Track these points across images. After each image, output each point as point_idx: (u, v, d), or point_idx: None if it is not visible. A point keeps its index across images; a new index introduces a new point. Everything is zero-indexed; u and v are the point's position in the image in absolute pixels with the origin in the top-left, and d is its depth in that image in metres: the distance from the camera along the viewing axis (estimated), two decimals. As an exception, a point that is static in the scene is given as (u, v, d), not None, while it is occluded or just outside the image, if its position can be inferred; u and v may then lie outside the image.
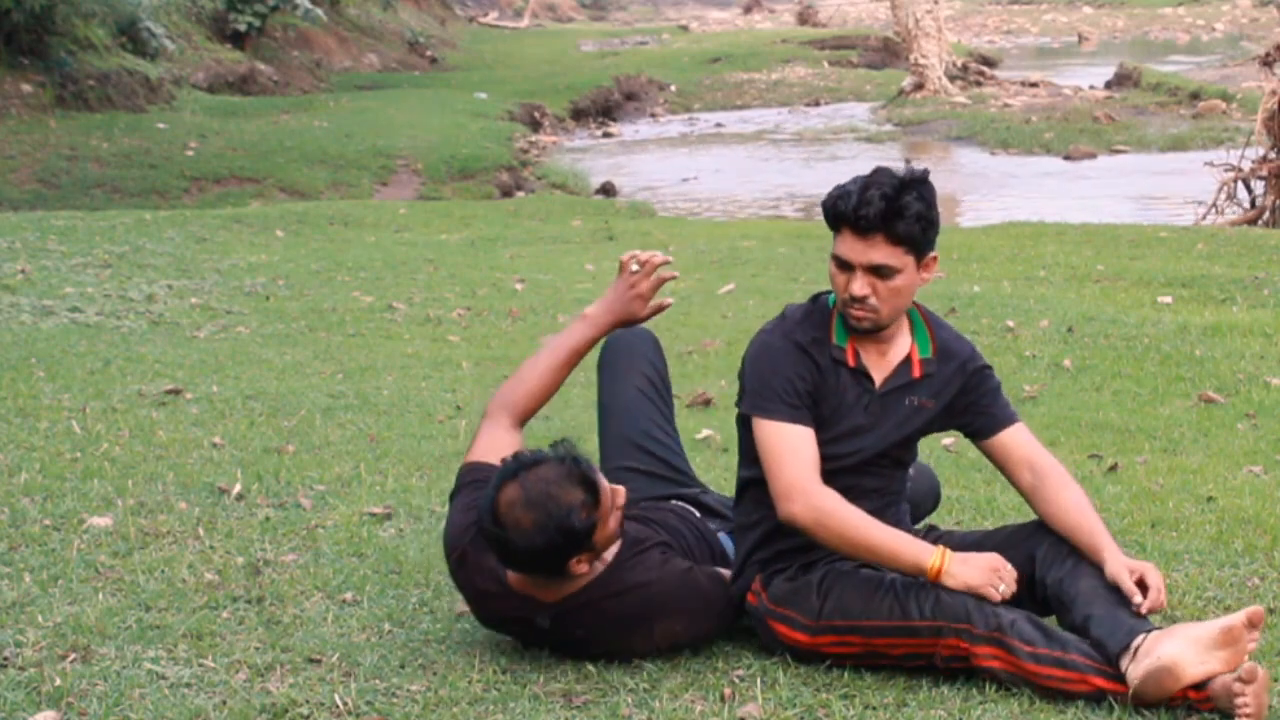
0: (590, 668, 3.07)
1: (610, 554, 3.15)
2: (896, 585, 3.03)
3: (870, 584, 3.06)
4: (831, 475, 3.11)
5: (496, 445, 3.31)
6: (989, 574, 2.99)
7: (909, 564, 3.02)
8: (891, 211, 3.02)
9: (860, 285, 3.07)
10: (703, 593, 3.19)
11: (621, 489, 3.10)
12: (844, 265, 3.09)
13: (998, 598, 2.97)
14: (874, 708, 2.89)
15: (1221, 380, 6.25)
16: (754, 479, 3.20)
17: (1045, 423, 5.62)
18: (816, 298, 3.25)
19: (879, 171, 3.08)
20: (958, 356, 3.24)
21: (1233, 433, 5.36)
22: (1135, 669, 2.81)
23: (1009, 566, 3.02)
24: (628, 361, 3.64)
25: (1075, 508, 3.11)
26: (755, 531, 3.24)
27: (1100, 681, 2.85)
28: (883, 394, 3.18)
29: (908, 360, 3.20)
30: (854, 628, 3.03)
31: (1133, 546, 3.80)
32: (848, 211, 3.04)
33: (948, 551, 3.01)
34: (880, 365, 3.20)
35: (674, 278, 3.53)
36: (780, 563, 3.19)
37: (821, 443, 3.13)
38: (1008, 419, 3.24)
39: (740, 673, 3.07)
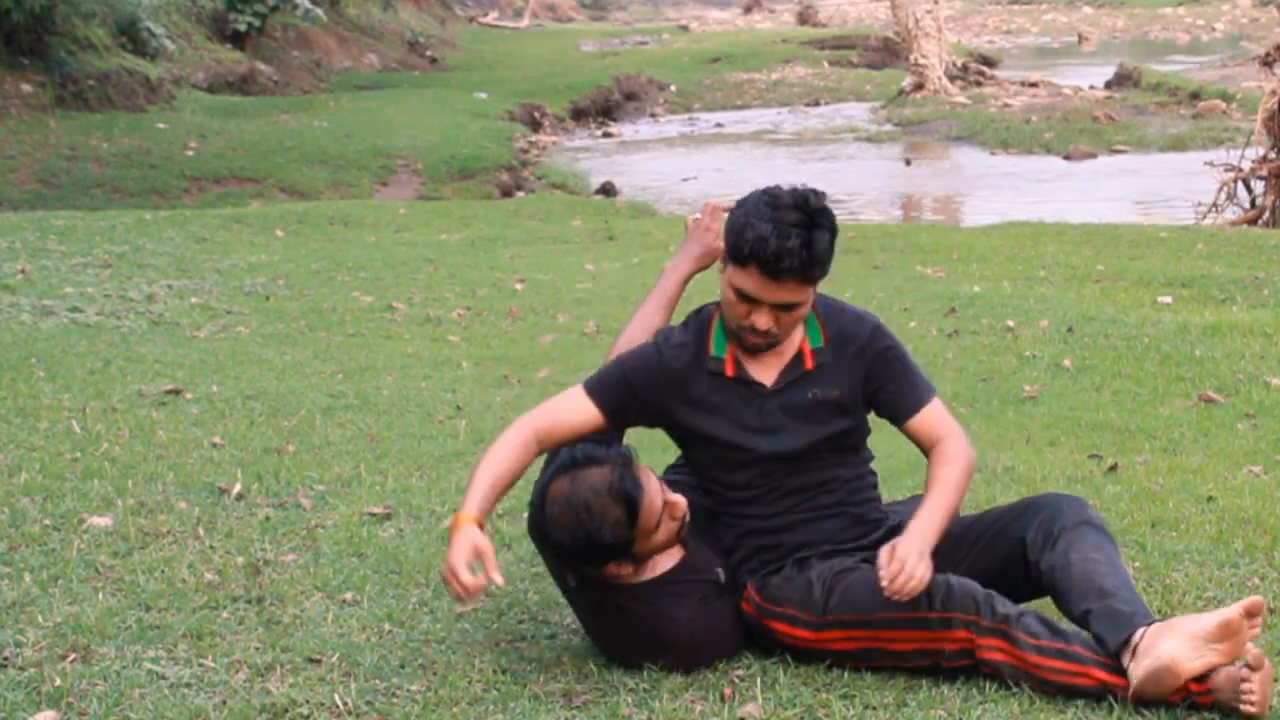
0: (590, 667, 3.07)
1: (665, 566, 3.13)
2: None
3: (876, 576, 3.04)
4: (758, 475, 3.13)
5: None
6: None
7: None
8: (811, 259, 2.99)
9: (765, 320, 3.06)
10: (719, 643, 3.14)
11: (681, 501, 3.07)
12: (747, 298, 3.05)
13: None
14: (874, 708, 2.89)
15: (1221, 380, 6.25)
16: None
17: (1045, 423, 5.62)
18: (699, 311, 3.25)
19: (782, 206, 2.99)
20: (855, 340, 3.19)
21: (1233, 433, 5.36)
22: (1136, 668, 2.80)
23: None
24: None
25: (932, 480, 3.11)
26: (729, 539, 3.22)
27: (1102, 674, 2.85)
28: (777, 392, 3.16)
29: (799, 354, 3.18)
30: (862, 622, 3.02)
31: (1133, 546, 3.80)
32: (766, 258, 2.98)
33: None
34: (772, 365, 3.18)
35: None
36: (765, 560, 3.18)
37: (723, 446, 3.15)
38: (915, 404, 3.19)
39: (740, 673, 3.07)
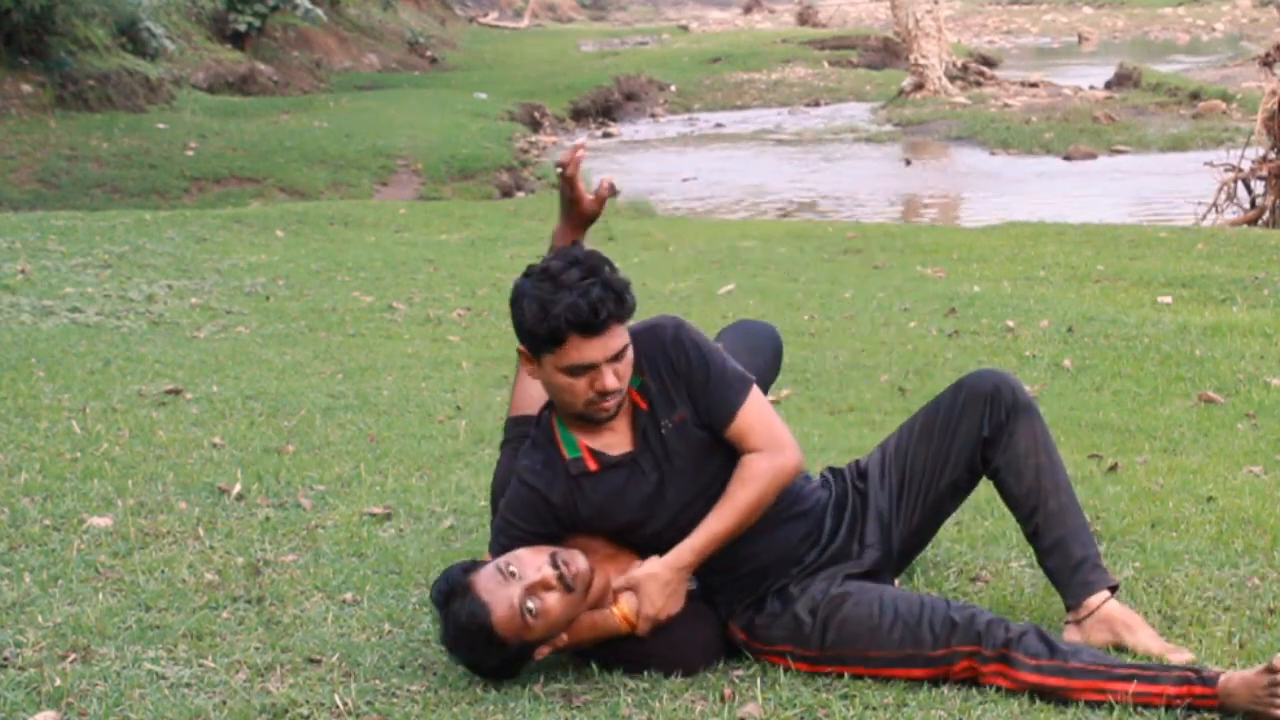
0: (590, 667, 3.07)
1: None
2: (901, 610, 3.00)
3: (874, 610, 3.02)
4: (684, 528, 3.05)
5: (530, 393, 3.33)
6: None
7: None
8: (619, 295, 2.93)
9: (611, 377, 2.97)
10: (702, 650, 3.11)
11: (549, 575, 2.93)
12: (583, 369, 2.95)
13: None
14: (874, 708, 2.89)
15: (1221, 380, 6.25)
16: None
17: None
18: (538, 420, 3.18)
19: (557, 272, 2.93)
20: (659, 356, 3.09)
21: (1233, 433, 5.36)
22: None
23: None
24: (748, 357, 3.53)
25: (723, 495, 3.05)
26: (698, 590, 3.16)
27: (1103, 684, 2.84)
28: (642, 452, 3.09)
29: (632, 404, 3.09)
30: (863, 659, 3.00)
31: (1132, 547, 3.80)
32: (583, 319, 2.89)
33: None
34: (620, 430, 3.10)
35: (583, 153, 3.38)
36: (741, 593, 3.14)
37: (637, 526, 3.09)
38: (726, 414, 3.07)
39: (740, 673, 3.07)
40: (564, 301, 2.90)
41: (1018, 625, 2.95)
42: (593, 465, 3.08)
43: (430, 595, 3.05)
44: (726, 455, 3.10)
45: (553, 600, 2.94)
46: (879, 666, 2.99)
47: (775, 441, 3.08)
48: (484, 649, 2.94)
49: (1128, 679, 2.82)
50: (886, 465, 3.31)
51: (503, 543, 3.09)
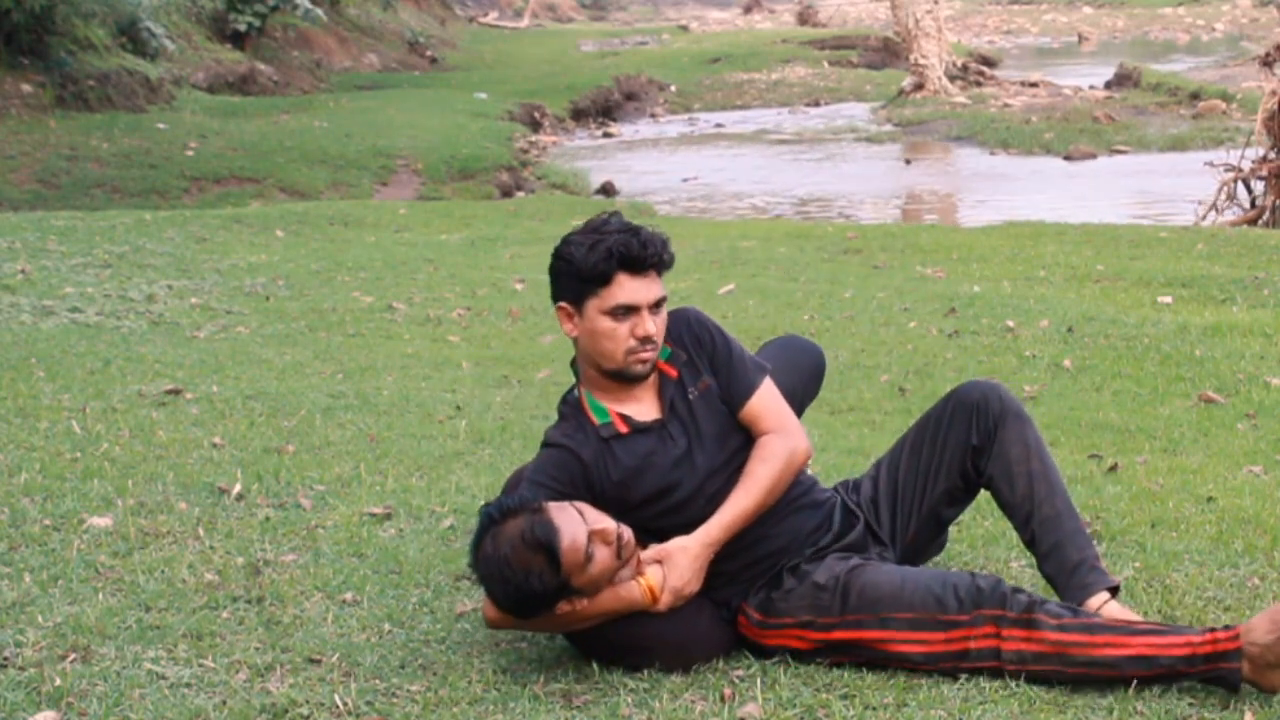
0: (590, 667, 3.07)
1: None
2: (924, 578, 3.03)
3: (894, 576, 3.05)
4: (704, 504, 3.12)
5: None
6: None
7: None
8: (663, 242, 3.11)
9: (651, 323, 3.09)
10: (699, 644, 3.11)
11: (610, 527, 2.98)
12: (626, 312, 3.08)
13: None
14: (874, 708, 2.89)
15: (1221, 380, 6.25)
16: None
17: (1045, 423, 5.61)
18: (565, 399, 3.25)
19: (599, 226, 3.12)
20: (686, 333, 3.24)
21: (1233, 433, 5.36)
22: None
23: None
24: (786, 373, 3.56)
25: (744, 474, 3.13)
26: (709, 575, 3.17)
27: (1125, 639, 2.85)
28: (670, 418, 3.18)
29: (660, 373, 3.21)
30: (884, 620, 3.00)
31: (1132, 547, 3.80)
32: (634, 253, 3.06)
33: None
34: (648, 398, 3.20)
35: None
36: (755, 576, 3.16)
37: (662, 494, 3.13)
38: (745, 392, 3.21)
39: (740, 673, 3.07)
40: (614, 239, 3.07)
41: (1039, 595, 2.98)
42: (623, 428, 3.16)
43: (482, 512, 3.01)
44: (746, 436, 3.20)
45: (603, 554, 2.97)
46: (898, 629, 2.98)
47: (788, 426, 3.21)
48: (537, 571, 2.91)
49: (1147, 634, 2.85)
50: (880, 479, 3.35)
51: (534, 489, 3.10)
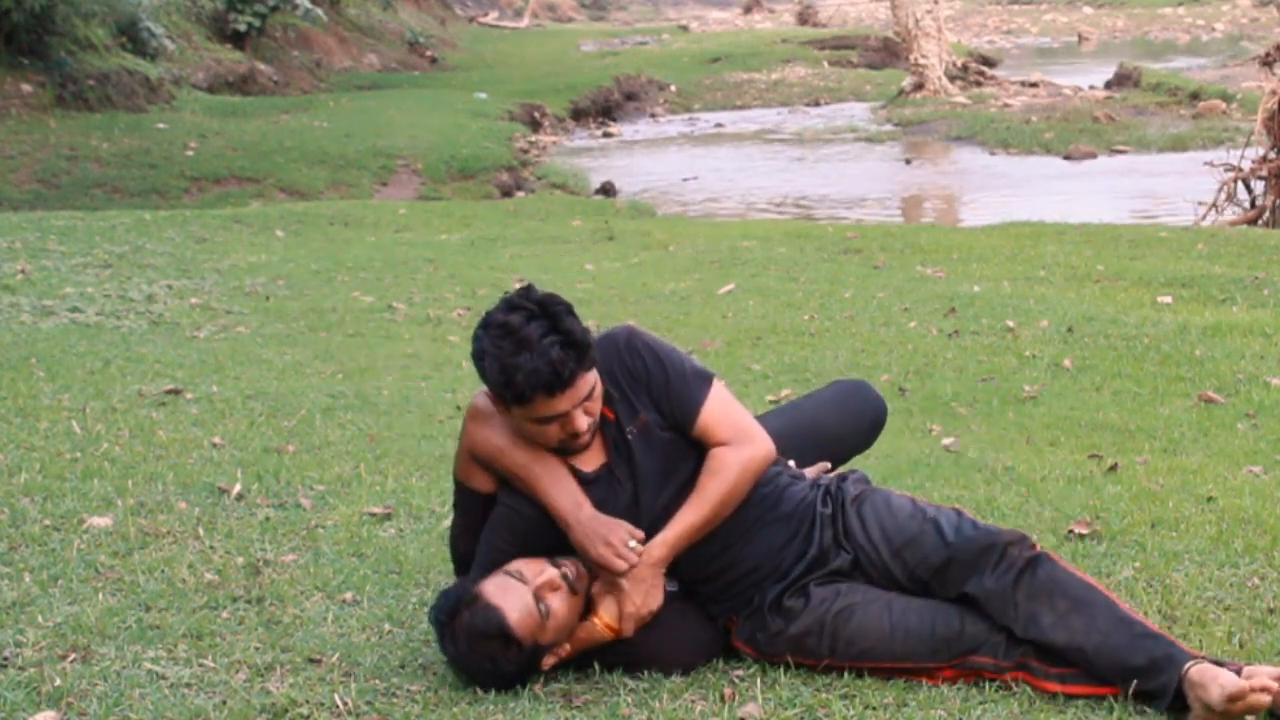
0: (591, 667, 3.07)
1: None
2: (911, 625, 2.98)
3: (883, 622, 3.00)
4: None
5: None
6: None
7: None
8: (579, 351, 2.90)
9: (581, 419, 2.97)
10: (695, 647, 3.11)
11: (553, 574, 2.96)
12: (552, 420, 2.95)
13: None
14: (874, 708, 2.89)
15: (1221, 380, 6.25)
16: None
17: (1045, 423, 5.62)
18: None
19: (516, 326, 2.87)
20: (616, 364, 3.09)
21: (1233, 433, 5.36)
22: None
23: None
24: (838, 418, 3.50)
25: (694, 488, 3.05)
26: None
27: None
28: (617, 463, 3.09)
29: (600, 416, 3.06)
30: (876, 670, 3.00)
31: (1132, 547, 3.80)
32: (548, 382, 2.87)
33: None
34: (591, 445, 3.08)
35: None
36: (735, 599, 3.12)
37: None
38: (691, 410, 3.07)
39: (740, 673, 3.07)
40: (526, 367, 2.87)
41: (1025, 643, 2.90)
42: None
43: (431, 618, 3.02)
44: (698, 456, 3.10)
45: (559, 602, 2.97)
46: (892, 675, 3.00)
47: (741, 434, 3.09)
48: (501, 654, 2.92)
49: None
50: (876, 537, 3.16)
51: (485, 565, 3.08)
